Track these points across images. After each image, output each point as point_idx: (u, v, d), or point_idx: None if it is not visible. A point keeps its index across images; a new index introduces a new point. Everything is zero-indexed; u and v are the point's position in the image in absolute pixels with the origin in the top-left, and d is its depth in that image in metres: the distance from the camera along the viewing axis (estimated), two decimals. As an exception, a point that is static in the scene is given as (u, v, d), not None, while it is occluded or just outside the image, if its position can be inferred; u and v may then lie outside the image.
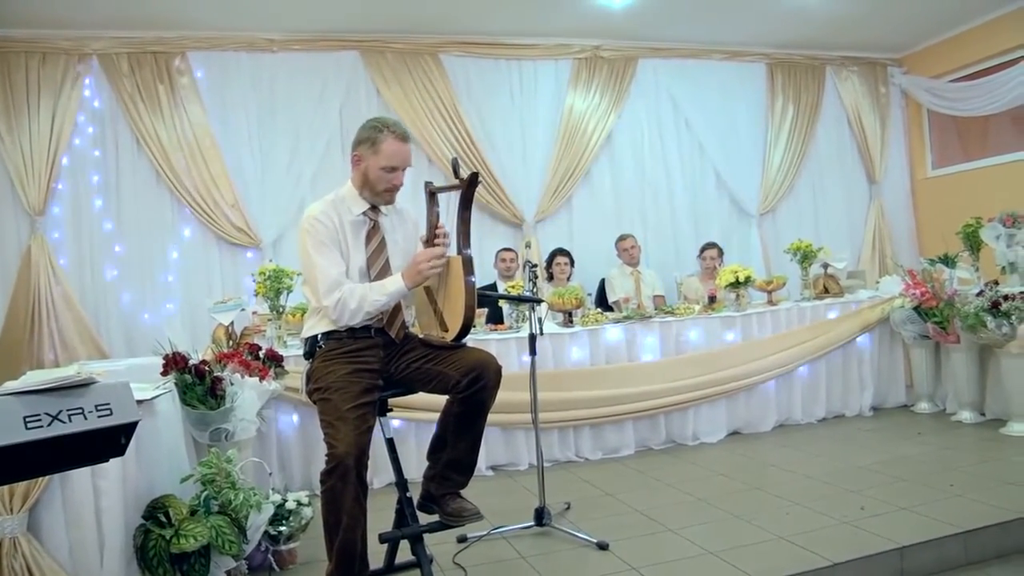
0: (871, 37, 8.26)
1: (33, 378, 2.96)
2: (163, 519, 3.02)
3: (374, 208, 3.20)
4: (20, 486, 2.68)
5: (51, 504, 2.79)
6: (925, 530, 3.58)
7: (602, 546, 3.70)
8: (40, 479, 2.69)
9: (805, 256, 6.47)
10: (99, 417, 1.60)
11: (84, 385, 1.62)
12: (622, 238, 7.28)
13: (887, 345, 6.44)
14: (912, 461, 4.85)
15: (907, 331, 6.18)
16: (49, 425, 1.53)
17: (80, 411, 1.58)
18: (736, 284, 6.06)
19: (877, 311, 6.31)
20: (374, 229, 3.19)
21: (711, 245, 7.29)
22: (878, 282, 6.89)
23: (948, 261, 6.25)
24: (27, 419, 1.51)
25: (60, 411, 1.55)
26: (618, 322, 5.78)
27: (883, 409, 6.42)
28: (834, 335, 6.15)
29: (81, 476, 2.80)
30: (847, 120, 8.73)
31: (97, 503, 2.84)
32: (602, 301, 7.11)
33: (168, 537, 2.95)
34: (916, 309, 6.05)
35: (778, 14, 7.34)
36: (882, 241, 8.68)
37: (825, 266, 6.66)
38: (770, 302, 6.30)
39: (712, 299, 6.20)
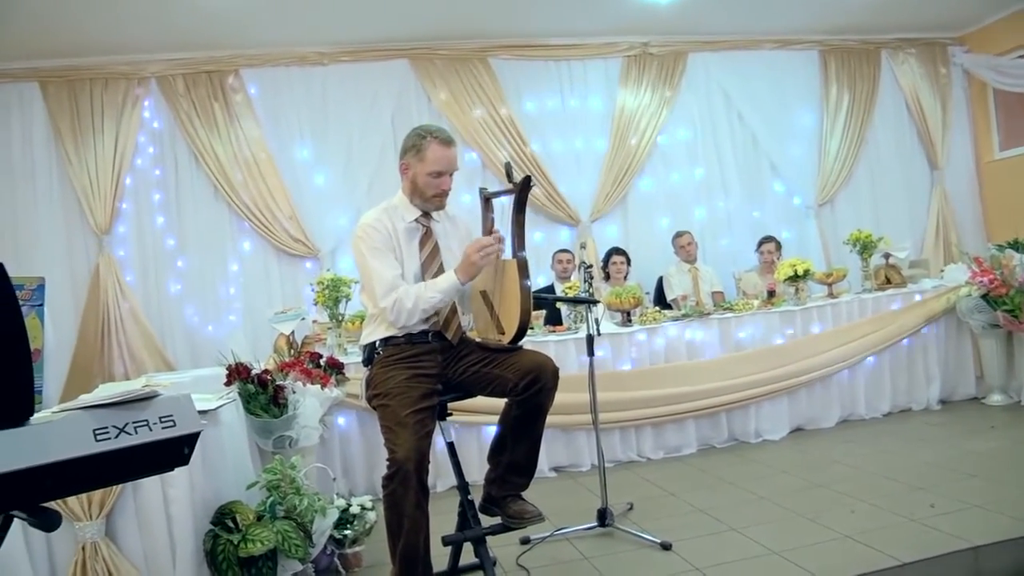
0: (928, 16, 8.03)
1: (104, 391, 3.06)
2: (231, 524, 3.09)
3: (426, 215, 3.24)
4: (96, 494, 2.79)
5: (125, 511, 2.89)
6: (1001, 529, 3.45)
7: (665, 546, 3.68)
8: (114, 488, 2.80)
9: (865, 247, 6.35)
10: (163, 428, 1.65)
11: (148, 398, 1.68)
12: (679, 235, 7.22)
13: (954, 335, 6.27)
14: (985, 456, 4.71)
15: (975, 320, 6.01)
16: (116, 437, 1.58)
17: (145, 423, 1.63)
18: (795, 278, 5.97)
19: (942, 301, 6.15)
20: (427, 235, 3.23)
21: (769, 239, 7.20)
22: (943, 270, 6.70)
23: (1018, 246, 6.06)
24: (96, 432, 1.56)
25: (126, 423, 1.60)
26: (677, 320, 5.75)
27: (952, 402, 6.25)
28: (898, 327, 6.01)
29: (151, 485, 2.89)
30: (905, 104, 8.51)
31: (167, 510, 2.93)
32: (660, 299, 7.08)
33: (236, 542, 3.02)
34: (984, 297, 5.90)
35: (829, -3, 7.21)
36: (946, 228, 8.45)
37: (886, 256, 6.52)
38: (831, 295, 6.19)
39: (771, 294, 6.12)
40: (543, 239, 7.40)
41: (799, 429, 5.86)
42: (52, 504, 1.61)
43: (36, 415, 1.61)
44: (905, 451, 5.03)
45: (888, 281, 6.41)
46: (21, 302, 1.59)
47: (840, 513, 3.92)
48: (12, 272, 1.56)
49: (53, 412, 1.67)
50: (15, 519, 1.64)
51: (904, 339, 6.06)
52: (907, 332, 6.04)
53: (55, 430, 1.54)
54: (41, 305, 2.09)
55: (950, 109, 8.59)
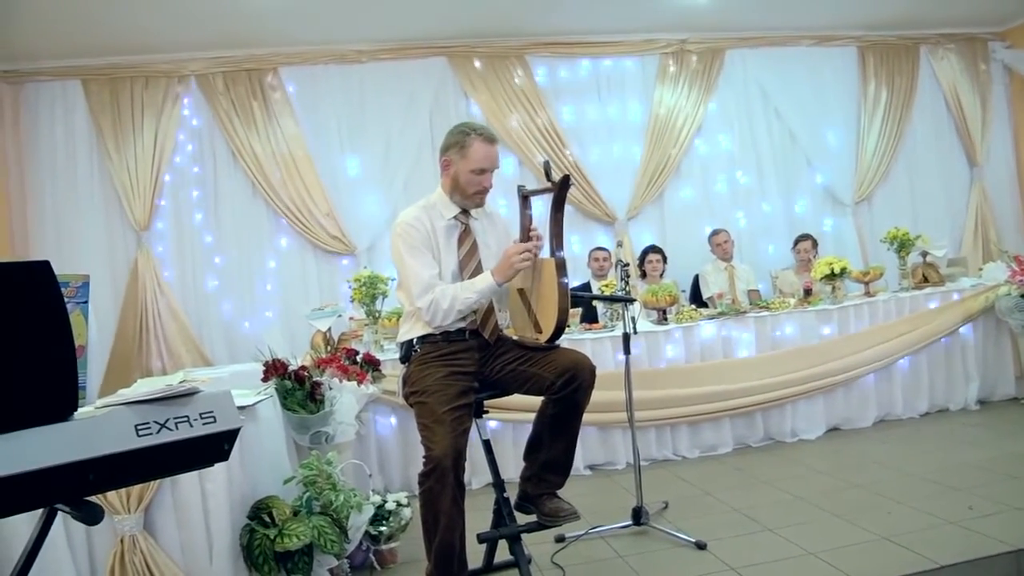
0: (969, 11, 7.90)
1: (143, 387, 3.10)
2: (267, 519, 3.11)
3: (465, 212, 3.25)
4: (135, 489, 2.83)
5: (163, 505, 2.94)
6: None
7: (700, 546, 3.66)
8: (152, 482, 2.84)
9: (903, 244, 6.27)
10: (204, 424, 1.68)
11: (189, 394, 1.70)
12: (715, 233, 7.17)
13: (993, 335, 6.17)
14: (1025, 458, 4.63)
15: (1015, 320, 5.92)
16: (158, 432, 1.61)
17: (186, 419, 1.66)
18: (832, 276, 5.92)
19: (981, 299, 6.06)
20: (465, 232, 3.23)
21: (805, 237, 7.13)
22: (981, 269, 6.62)
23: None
24: (138, 427, 1.59)
25: (168, 419, 1.63)
26: (713, 318, 5.71)
27: (991, 402, 6.15)
28: (935, 326, 5.93)
29: (189, 479, 2.92)
30: (944, 101, 8.38)
31: (205, 504, 2.97)
32: (696, 297, 7.03)
33: (272, 536, 3.04)
34: (1024, 296, 5.80)
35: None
36: (985, 226, 8.31)
37: (924, 254, 6.44)
38: (867, 293, 6.12)
39: (808, 292, 6.06)
40: (579, 239, 7.38)
41: (835, 429, 5.80)
42: (92, 497, 1.64)
43: (80, 410, 1.64)
44: (943, 452, 4.96)
45: (926, 280, 6.33)
46: (66, 299, 1.62)
47: (877, 514, 3.87)
48: (54, 268, 1.59)
49: (96, 407, 1.70)
50: (59, 512, 1.67)
51: (942, 338, 5.98)
52: (945, 331, 5.96)
53: (99, 425, 1.57)
54: (85, 302, 2.12)
55: (990, 106, 8.44)
